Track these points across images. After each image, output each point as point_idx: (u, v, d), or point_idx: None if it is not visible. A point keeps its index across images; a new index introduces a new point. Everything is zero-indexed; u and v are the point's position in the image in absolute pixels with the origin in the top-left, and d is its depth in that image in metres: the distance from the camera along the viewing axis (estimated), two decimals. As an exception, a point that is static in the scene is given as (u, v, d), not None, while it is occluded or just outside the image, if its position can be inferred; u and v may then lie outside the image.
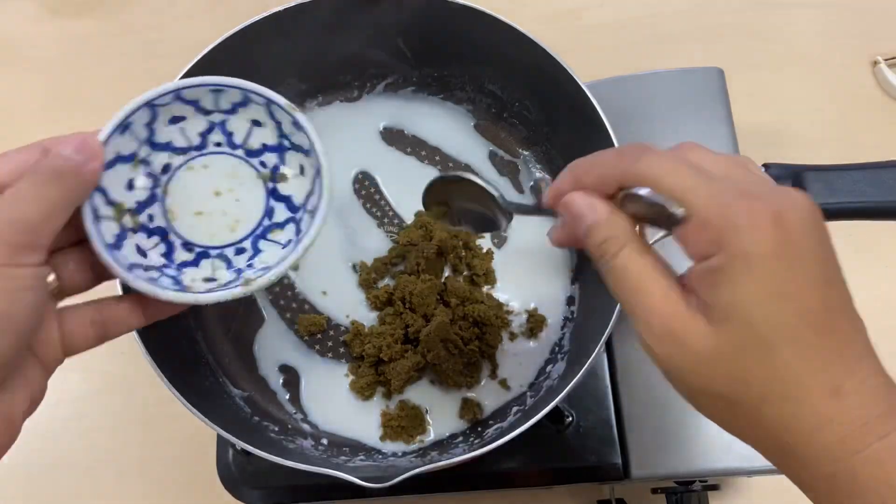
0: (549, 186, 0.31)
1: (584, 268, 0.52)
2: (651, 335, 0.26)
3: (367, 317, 0.52)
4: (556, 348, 0.51)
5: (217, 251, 0.35)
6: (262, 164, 0.36)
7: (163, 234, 0.34)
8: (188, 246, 0.34)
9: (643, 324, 0.27)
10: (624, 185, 0.28)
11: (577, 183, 0.30)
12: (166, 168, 0.34)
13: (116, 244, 0.32)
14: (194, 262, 0.34)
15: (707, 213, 0.25)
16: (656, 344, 0.26)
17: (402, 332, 0.49)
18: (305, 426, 0.49)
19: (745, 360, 0.25)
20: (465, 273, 0.52)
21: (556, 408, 0.43)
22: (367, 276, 0.52)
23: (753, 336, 0.24)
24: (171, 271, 0.33)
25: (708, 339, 0.25)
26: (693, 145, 0.29)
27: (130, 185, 0.33)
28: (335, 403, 0.50)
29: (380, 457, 0.48)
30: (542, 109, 0.53)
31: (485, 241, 0.53)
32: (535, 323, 0.51)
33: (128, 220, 0.33)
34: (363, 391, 0.49)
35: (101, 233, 0.31)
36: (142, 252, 0.33)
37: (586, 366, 0.41)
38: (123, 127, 0.33)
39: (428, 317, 0.49)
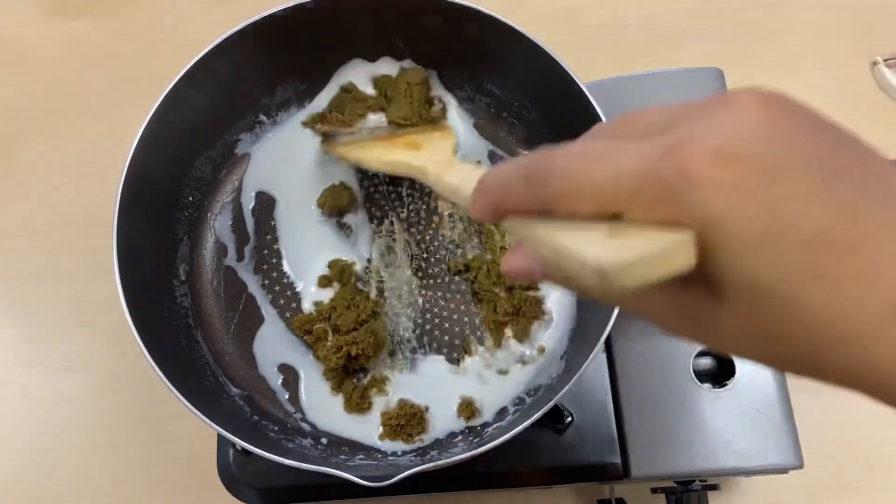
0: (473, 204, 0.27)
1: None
2: (673, 329, 0.23)
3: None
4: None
5: None
6: None
7: None
8: None
9: (663, 322, 0.23)
10: (549, 212, 0.23)
11: (497, 212, 0.25)
12: None
13: None
14: None
15: (645, 190, 0.20)
16: (687, 334, 0.23)
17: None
18: (305, 425, 0.50)
19: (770, 322, 0.20)
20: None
21: (555, 407, 0.43)
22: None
23: (765, 293, 0.20)
24: None
25: (724, 315, 0.21)
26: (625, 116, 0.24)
27: None
28: (334, 403, 0.50)
29: (379, 456, 0.48)
30: (541, 109, 0.53)
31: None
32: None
33: None
34: (359, 406, 0.49)
35: None
36: None
37: (585, 365, 0.41)
38: None
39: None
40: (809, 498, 0.56)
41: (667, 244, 0.19)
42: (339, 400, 0.50)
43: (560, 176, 0.22)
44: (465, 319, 0.52)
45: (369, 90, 0.54)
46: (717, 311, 0.21)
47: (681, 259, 0.19)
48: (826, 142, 0.20)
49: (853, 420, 0.57)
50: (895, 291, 0.19)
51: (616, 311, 0.42)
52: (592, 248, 0.20)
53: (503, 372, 0.50)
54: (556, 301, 0.52)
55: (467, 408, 0.49)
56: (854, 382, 0.20)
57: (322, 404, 0.50)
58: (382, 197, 0.55)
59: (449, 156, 0.46)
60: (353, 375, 0.50)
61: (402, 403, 0.49)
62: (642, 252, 0.19)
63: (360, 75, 0.55)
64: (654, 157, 0.20)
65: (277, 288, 0.53)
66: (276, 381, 0.51)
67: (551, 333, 0.51)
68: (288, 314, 0.52)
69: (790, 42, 0.70)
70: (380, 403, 0.50)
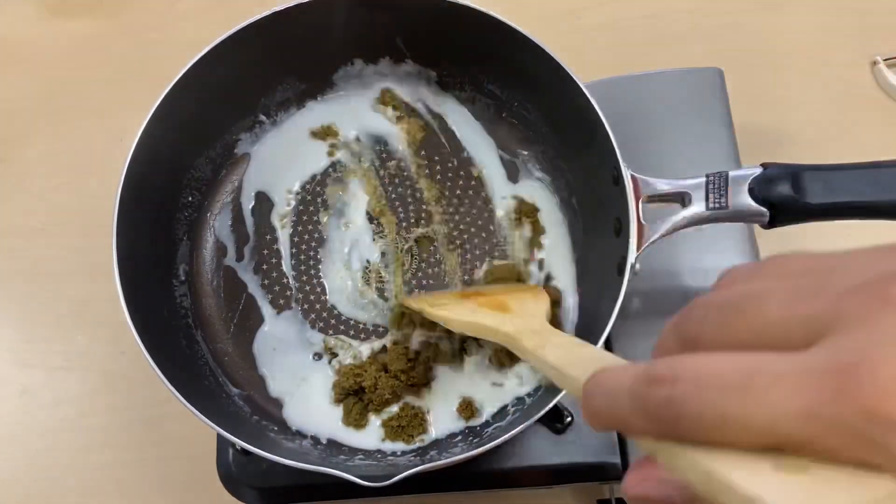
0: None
1: (584, 269, 0.52)
2: None
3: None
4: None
5: None
6: None
7: None
8: None
9: None
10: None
11: (612, 429, 0.21)
12: None
13: None
14: None
15: (818, 439, 0.15)
16: None
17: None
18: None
19: None
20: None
21: (555, 407, 0.43)
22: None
23: None
24: None
25: None
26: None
27: None
28: (331, 416, 0.50)
29: (379, 456, 0.48)
30: (541, 109, 0.53)
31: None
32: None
33: None
34: (356, 422, 0.49)
35: None
36: None
37: (586, 365, 0.41)
38: None
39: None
40: None
41: (874, 494, 0.15)
42: (338, 412, 0.50)
43: (696, 417, 0.17)
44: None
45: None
46: None
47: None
48: None
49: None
50: None
51: (616, 311, 0.41)
52: (775, 488, 0.15)
53: (498, 384, 0.50)
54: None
55: (467, 408, 0.49)
56: None
57: (316, 413, 0.50)
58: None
59: (542, 323, 0.40)
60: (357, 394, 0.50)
61: (404, 405, 0.49)
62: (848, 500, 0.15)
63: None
64: (825, 395, 0.15)
65: (277, 288, 0.53)
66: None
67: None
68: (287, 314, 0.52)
69: (790, 42, 0.70)
70: (376, 421, 0.50)
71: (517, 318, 0.41)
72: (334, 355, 0.51)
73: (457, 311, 0.44)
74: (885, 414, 0.14)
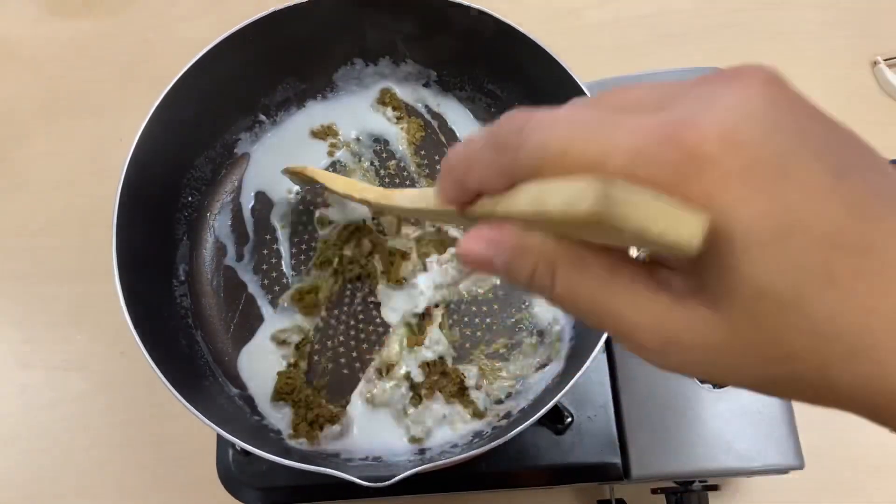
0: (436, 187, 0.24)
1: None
2: (649, 352, 0.20)
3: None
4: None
5: None
6: None
7: None
8: None
9: (633, 344, 0.20)
10: (518, 182, 0.20)
11: (463, 191, 0.22)
12: None
13: None
14: None
15: (640, 169, 0.18)
16: (661, 359, 0.20)
17: None
18: (305, 426, 0.50)
19: (775, 333, 0.18)
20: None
21: (555, 407, 0.43)
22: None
23: (771, 300, 0.17)
24: None
25: (719, 328, 0.19)
26: (610, 92, 0.21)
27: None
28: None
29: (379, 456, 0.48)
30: (541, 109, 0.53)
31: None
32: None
33: None
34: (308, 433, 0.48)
35: None
36: None
37: (585, 365, 0.41)
38: None
39: None
40: (809, 498, 0.56)
41: (678, 209, 0.17)
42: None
43: (537, 145, 0.19)
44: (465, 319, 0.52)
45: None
46: (710, 327, 0.19)
47: (687, 232, 0.17)
48: (829, 133, 0.19)
49: (853, 420, 0.57)
50: None
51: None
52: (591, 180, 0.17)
53: (499, 401, 0.50)
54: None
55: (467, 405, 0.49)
56: (862, 403, 0.19)
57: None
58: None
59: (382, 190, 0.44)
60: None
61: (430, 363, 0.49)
62: (651, 197, 0.16)
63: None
64: (654, 135, 0.18)
65: (277, 288, 0.53)
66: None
67: (551, 340, 0.51)
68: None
69: (790, 42, 0.70)
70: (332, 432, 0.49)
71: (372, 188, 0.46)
72: None
73: (336, 179, 0.49)
74: (699, 155, 0.17)
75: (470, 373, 0.49)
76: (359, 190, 0.46)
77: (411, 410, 0.49)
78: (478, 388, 0.49)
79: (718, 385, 0.48)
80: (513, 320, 0.51)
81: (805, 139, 0.18)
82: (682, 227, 0.17)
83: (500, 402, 0.49)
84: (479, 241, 0.21)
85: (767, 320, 0.18)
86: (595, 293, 0.20)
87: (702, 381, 0.19)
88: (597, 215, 0.16)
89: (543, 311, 0.51)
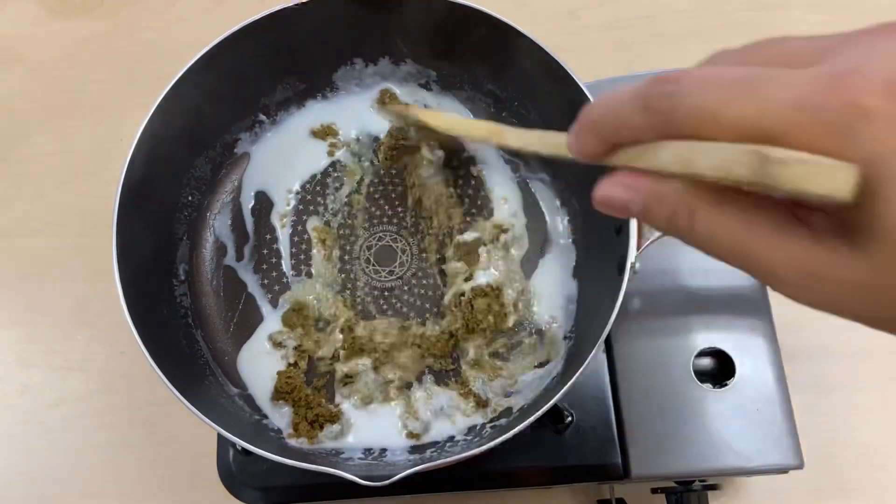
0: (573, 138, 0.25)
1: (585, 264, 0.52)
2: (789, 287, 0.21)
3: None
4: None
5: None
6: None
7: None
8: None
9: (774, 281, 0.21)
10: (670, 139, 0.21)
11: (605, 146, 0.23)
12: None
13: None
14: None
15: (804, 119, 0.18)
16: (806, 294, 0.20)
17: None
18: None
19: None
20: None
21: (555, 407, 0.43)
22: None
23: None
24: None
25: (863, 267, 0.19)
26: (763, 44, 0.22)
27: None
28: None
29: (379, 455, 0.48)
30: (541, 109, 0.53)
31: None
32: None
33: None
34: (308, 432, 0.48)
35: None
36: None
37: (585, 364, 0.41)
38: None
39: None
40: (809, 498, 0.56)
41: (831, 164, 0.17)
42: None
43: (693, 106, 0.19)
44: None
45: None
46: (852, 266, 0.19)
47: (841, 184, 0.17)
48: None
49: (853, 420, 0.57)
50: None
51: (616, 310, 0.41)
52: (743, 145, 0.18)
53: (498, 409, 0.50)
54: (554, 299, 0.52)
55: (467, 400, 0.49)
56: None
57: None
58: (382, 196, 0.55)
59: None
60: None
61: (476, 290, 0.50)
62: (806, 158, 0.17)
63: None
64: (817, 88, 0.18)
65: (277, 287, 0.53)
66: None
67: (550, 339, 0.51)
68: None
69: (790, 42, 0.70)
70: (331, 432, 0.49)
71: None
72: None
73: (443, 119, 0.48)
74: (864, 105, 0.17)
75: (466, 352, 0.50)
76: (465, 127, 0.47)
77: (409, 399, 0.49)
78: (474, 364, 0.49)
79: (720, 384, 0.49)
80: (513, 320, 0.51)
81: None
82: (835, 181, 0.17)
83: (506, 395, 0.49)
84: (615, 187, 0.22)
85: None
86: (734, 233, 0.21)
87: (853, 319, 0.20)
88: (751, 181, 0.18)
89: (543, 310, 0.52)
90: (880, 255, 0.18)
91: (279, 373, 0.50)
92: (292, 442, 0.48)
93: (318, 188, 0.55)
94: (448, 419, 0.49)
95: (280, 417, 0.49)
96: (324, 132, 0.57)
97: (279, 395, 0.49)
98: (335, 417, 0.48)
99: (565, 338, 0.51)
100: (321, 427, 0.48)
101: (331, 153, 0.56)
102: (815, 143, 0.18)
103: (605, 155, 0.23)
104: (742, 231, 0.20)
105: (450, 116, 0.49)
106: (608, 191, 0.23)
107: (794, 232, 0.20)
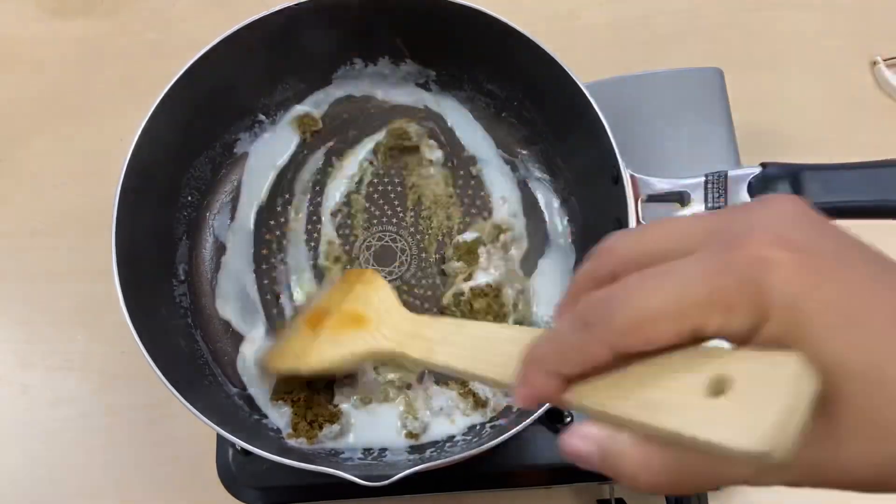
0: (517, 386, 0.23)
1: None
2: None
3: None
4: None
5: None
6: None
7: None
8: None
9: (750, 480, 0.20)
10: (621, 355, 0.21)
11: (559, 383, 0.22)
12: None
13: None
14: None
15: (721, 291, 0.19)
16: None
17: None
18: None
19: (872, 414, 0.19)
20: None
21: (554, 407, 0.43)
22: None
23: (857, 379, 0.18)
24: None
25: (835, 432, 0.19)
26: (647, 228, 0.23)
27: None
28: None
29: (379, 455, 0.48)
30: (540, 109, 0.53)
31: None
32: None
33: None
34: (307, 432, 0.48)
35: None
36: None
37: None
38: None
39: None
40: (809, 498, 0.56)
41: (784, 370, 0.17)
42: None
43: (624, 306, 0.20)
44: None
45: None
46: (828, 431, 0.19)
47: (805, 383, 0.17)
48: (854, 240, 0.21)
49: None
50: None
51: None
52: (717, 426, 0.17)
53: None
54: (554, 299, 0.52)
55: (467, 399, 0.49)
56: None
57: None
58: (381, 196, 0.55)
59: (402, 314, 0.37)
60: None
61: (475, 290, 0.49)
62: (777, 404, 0.17)
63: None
64: (721, 257, 0.20)
65: (277, 288, 0.53)
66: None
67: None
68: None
69: (790, 42, 0.70)
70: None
71: (382, 325, 0.37)
72: None
73: (317, 353, 0.40)
74: (766, 257, 0.19)
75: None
76: (366, 351, 0.38)
77: (409, 399, 0.49)
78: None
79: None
80: (512, 319, 0.51)
81: (843, 243, 0.20)
82: (803, 386, 0.18)
83: (506, 394, 0.49)
84: (572, 438, 0.23)
85: (874, 402, 0.18)
86: (694, 467, 0.21)
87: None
88: (752, 474, 0.19)
89: (542, 310, 0.52)
90: (845, 413, 0.19)
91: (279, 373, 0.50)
92: (292, 442, 0.48)
93: (317, 188, 0.55)
94: (447, 419, 0.49)
95: (279, 417, 0.49)
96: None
97: (279, 395, 0.49)
98: (335, 417, 0.48)
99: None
100: (321, 427, 0.48)
101: (330, 153, 0.56)
102: (735, 311, 0.19)
103: (556, 392, 0.22)
104: (697, 462, 0.21)
105: (328, 349, 0.40)
106: (567, 443, 0.23)
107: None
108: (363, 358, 0.39)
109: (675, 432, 0.18)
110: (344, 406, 0.49)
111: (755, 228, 0.20)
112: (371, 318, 0.38)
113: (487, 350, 0.27)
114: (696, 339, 0.20)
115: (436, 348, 0.31)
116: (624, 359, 0.21)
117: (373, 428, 0.49)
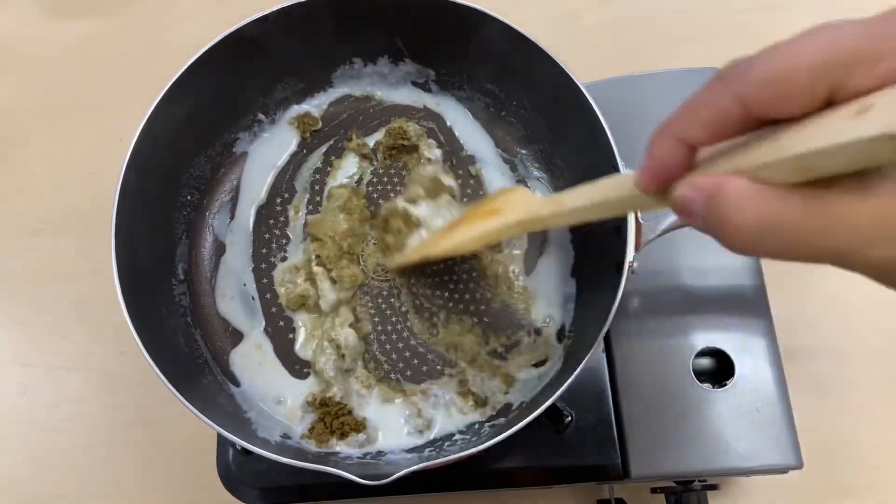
0: (640, 165, 0.23)
1: (583, 264, 0.52)
2: (875, 247, 0.19)
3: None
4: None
5: None
6: None
7: None
8: None
9: (860, 244, 0.20)
10: (751, 117, 0.20)
11: (682, 143, 0.22)
12: None
13: None
14: None
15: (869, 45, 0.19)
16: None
17: None
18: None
19: None
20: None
21: (554, 407, 0.43)
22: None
23: None
24: None
25: (868, 209, 0.19)
26: None
27: None
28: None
29: (378, 455, 0.48)
30: (540, 109, 0.53)
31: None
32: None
33: None
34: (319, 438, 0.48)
35: None
36: None
37: (583, 363, 0.41)
38: None
39: None
40: (809, 498, 0.56)
41: None
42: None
43: (764, 58, 0.19)
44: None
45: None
46: (861, 202, 0.19)
47: None
48: None
49: (853, 420, 0.57)
50: None
51: (614, 309, 0.41)
52: (865, 124, 0.18)
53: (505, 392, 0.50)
54: (553, 298, 0.52)
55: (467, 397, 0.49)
56: None
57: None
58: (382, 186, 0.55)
59: (536, 198, 0.39)
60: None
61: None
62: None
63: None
64: (872, 20, 0.19)
65: (276, 287, 0.53)
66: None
67: (546, 339, 0.51)
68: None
69: (790, 42, 0.70)
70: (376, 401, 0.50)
71: (515, 207, 0.39)
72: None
73: (458, 235, 0.42)
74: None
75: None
76: (502, 225, 0.39)
77: (408, 398, 0.49)
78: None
79: (719, 384, 0.49)
80: (511, 319, 0.51)
81: None
82: None
83: (505, 393, 0.49)
84: (682, 186, 0.22)
85: None
86: (808, 210, 0.20)
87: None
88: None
89: (541, 309, 0.52)
90: (886, 196, 0.18)
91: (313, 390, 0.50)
92: (292, 442, 0.48)
93: (316, 188, 0.55)
94: (447, 418, 0.49)
95: (299, 423, 0.49)
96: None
97: (311, 405, 0.49)
98: (361, 427, 0.48)
99: (564, 337, 0.51)
100: (345, 436, 0.48)
101: (329, 152, 0.56)
102: (886, 48, 0.18)
103: (683, 161, 0.22)
104: (818, 206, 0.19)
105: (464, 233, 0.42)
106: (689, 193, 0.22)
107: (871, 189, 0.19)
108: (493, 235, 0.40)
109: (830, 145, 0.18)
110: (369, 415, 0.49)
111: None
112: (503, 208, 0.40)
113: (606, 187, 0.30)
114: (827, 104, 0.19)
115: (563, 199, 0.34)
116: (752, 128, 0.20)
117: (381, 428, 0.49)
